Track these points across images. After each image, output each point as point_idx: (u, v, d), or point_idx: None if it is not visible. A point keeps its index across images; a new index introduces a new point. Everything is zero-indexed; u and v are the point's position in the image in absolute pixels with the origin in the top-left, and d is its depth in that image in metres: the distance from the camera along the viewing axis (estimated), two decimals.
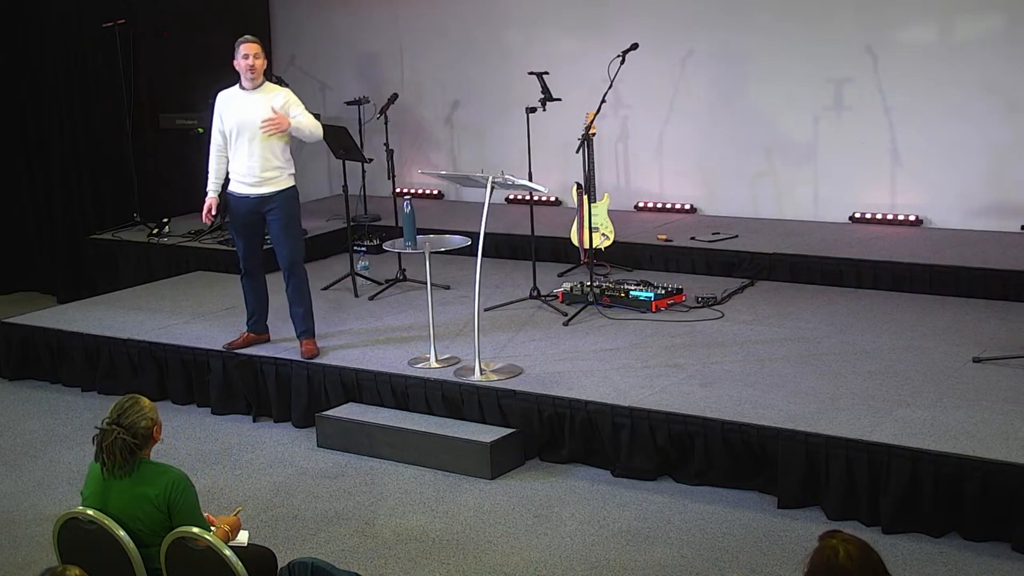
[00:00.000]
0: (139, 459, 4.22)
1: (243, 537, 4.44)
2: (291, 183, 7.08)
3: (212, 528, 4.30)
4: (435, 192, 11.07)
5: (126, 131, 10.24)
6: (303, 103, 7.00)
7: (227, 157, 7.07)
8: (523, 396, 6.36)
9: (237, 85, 7.01)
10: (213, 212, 7.18)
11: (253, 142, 6.91)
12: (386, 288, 8.48)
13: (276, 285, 7.34)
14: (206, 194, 7.14)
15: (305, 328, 7.17)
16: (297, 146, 11.33)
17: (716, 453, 5.85)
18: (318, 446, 6.69)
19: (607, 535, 5.47)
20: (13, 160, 10.43)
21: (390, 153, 9.25)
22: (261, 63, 6.91)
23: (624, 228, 8.85)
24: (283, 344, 7.31)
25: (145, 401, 4.31)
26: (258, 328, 7.35)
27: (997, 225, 8.59)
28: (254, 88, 6.94)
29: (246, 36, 6.95)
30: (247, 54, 6.86)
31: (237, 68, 6.94)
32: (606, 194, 8.43)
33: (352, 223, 8.89)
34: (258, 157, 6.93)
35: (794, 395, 6.08)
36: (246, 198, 7.00)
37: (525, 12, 10.31)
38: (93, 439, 4.26)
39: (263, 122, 6.83)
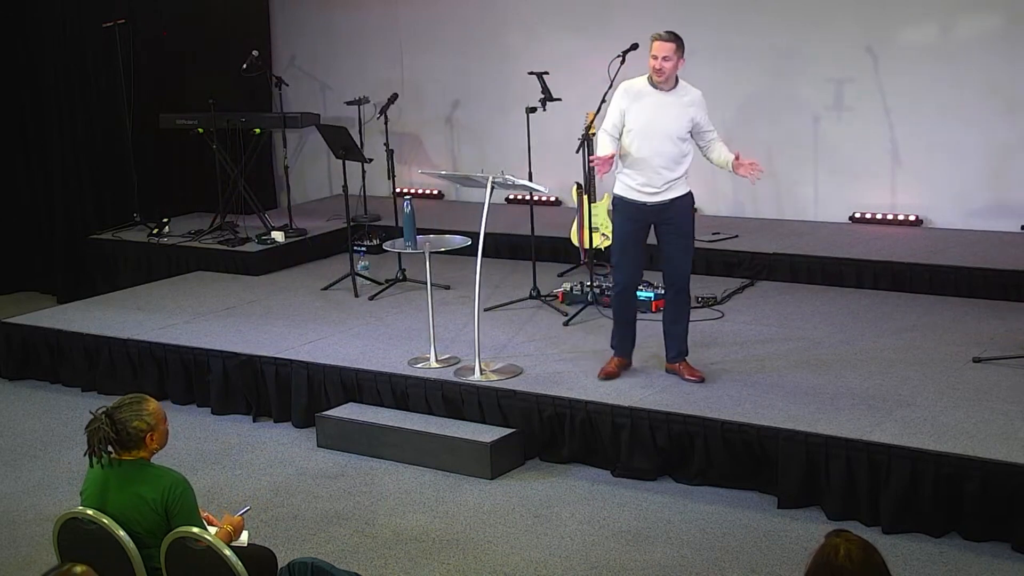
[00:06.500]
0: (138, 460, 4.20)
1: (243, 537, 4.43)
2: (688, 188, 6.44)
3: (213, 528, 4.29)
4: (435, 192, 11.07)
5: (126, 131, 10.24)
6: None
7: (619, 144, 6.36)
8: (523, 396, 6.36)
9: (645, 77, 6.36)
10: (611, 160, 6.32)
11: (663, 145, 6.29)
12: (386, 288, 8.47)
13: (271, 292, 7.32)
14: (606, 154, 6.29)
15: (684, 349, 6.54)
16: (297, 145, 11.46)
17: (716, 453, 5.85)
18: (318, 446, 6.69)
19: (607, 535, 5.47)
20: (13, 160, 10.43)
21: (390, 153, 9.25)
22: (671, 66, 6.24)
23: None
24: (286, 344, 7.32)
25: (151, 404, 4.19)
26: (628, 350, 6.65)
27: (997, 225, 8.59)
28: (667, 90, 6.32)
29: (659, 33, 6.28)
30: (655, 55, 6.21)
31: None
32: (606, 194, 8.39)
33: (352, 223, 8.88)
34: (665, 160, 6.31)
35: (794, 395, 6.08)
36: (642, 206, 6.35)
37: (525, 12, 10.30)
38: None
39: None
